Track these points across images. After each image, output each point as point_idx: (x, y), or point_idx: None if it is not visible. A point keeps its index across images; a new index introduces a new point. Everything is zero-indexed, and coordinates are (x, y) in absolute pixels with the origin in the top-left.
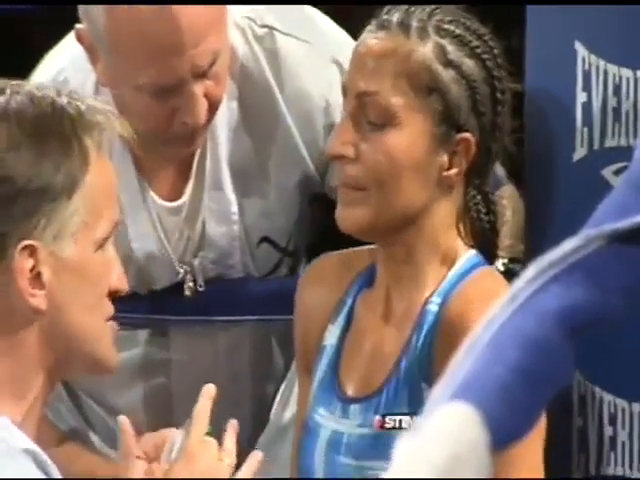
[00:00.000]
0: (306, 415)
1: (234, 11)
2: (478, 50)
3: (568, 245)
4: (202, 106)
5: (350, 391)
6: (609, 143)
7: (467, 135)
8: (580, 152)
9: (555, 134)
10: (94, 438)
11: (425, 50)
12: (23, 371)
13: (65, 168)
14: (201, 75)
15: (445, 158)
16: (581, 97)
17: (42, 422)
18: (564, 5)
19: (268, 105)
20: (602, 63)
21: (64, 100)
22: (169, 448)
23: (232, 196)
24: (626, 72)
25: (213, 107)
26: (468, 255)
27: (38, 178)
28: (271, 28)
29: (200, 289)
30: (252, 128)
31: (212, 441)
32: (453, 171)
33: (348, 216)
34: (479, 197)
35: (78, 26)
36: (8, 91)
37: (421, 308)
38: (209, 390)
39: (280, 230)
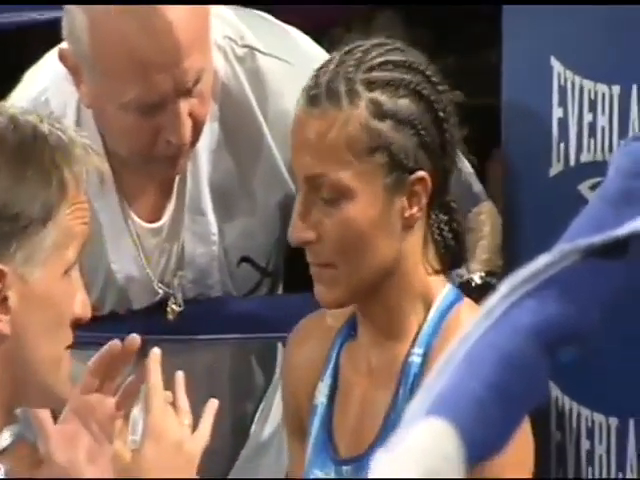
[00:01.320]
0: (303, 476)
1: (215, 32)
2: (411, 85)
3: (542, 260)
4: (187, 125)
5: (343, 450)
6: (585, 158)
7: (421, 174)
8: (556, 167)
9: (531, 149)
10: None
11: (359, 112)
12: None
13: (42, 198)
14: (185, 93)
15: (404, 202)
16: (557, 112)
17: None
18: (540, 21)
19: (249, 125)
20: (578, 79)
21: (46, 128)
22: (131, 428)
23: (212, 217)
24: (601, 87)
25: (197, 126)
26: (444, 293)
27: (14, 204)
28: (252, 48)
29: (179, 309)
30: (233, 149)
31: (169, 408)
32: (414, 209)
33: (326, 296)
34: (441, 215)
35: (61, 46)
36: None
37: (404, 361)
38: (155, 355)
39: (260, 250)
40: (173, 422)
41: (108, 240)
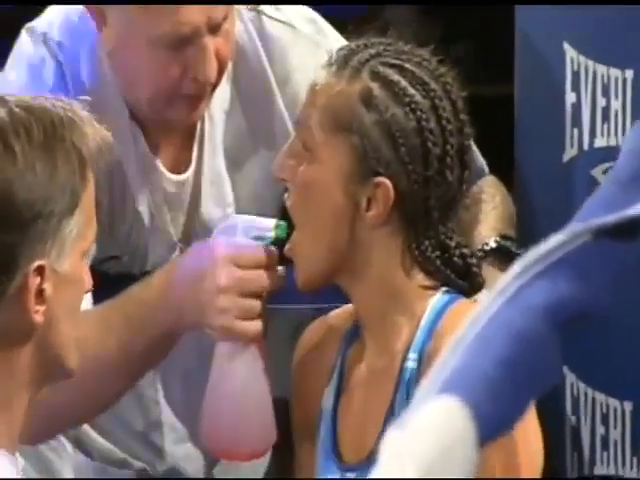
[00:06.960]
0: None
1: None
2: (412, 104)
3: (554, 241)
4: (213, 62)
5: (347, 456)
6: (598, 143)
7: (383, 180)
8: (570, 152)
9: (545, 135)
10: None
11: (351, 90)
12: (13, 387)
13: (71, 187)
14: (215, 29)
15: (363, 200)
16: (570, 97)
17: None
18: (552, 7)
19: (262, 84)
20: (591, 63)
21: (60, 110)
22: None
23: (227, 179)
24: (614, 72)
25: (221, 66)
26: (436, 298)
27: (51, 201)
28: (258, 12)
29: None
30: (246, 108)
31: None
32: (371, 213)
33: (298, 276)
34: (427, 242)
35: None
36: (10, 104)
37: (400, 365)
38: None
39: (270, 212)
40: None
41: (134, 192)
